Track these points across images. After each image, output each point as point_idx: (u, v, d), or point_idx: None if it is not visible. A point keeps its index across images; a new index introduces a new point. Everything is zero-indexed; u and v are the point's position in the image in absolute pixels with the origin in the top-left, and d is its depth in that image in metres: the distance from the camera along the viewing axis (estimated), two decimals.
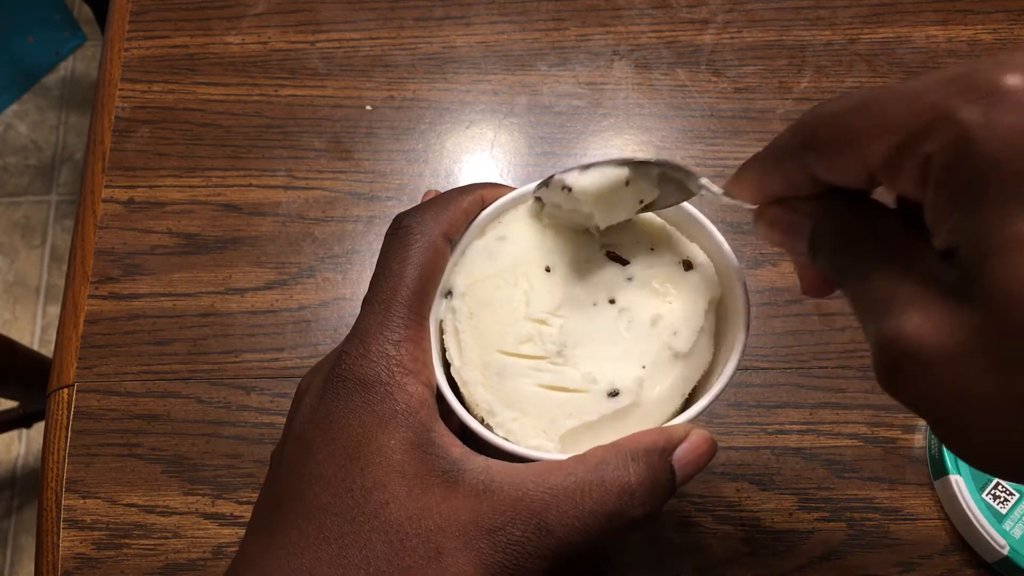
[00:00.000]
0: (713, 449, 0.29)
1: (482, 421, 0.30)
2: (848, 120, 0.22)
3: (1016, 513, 0.40)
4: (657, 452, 0.28)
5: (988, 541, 0.40)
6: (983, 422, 0.20)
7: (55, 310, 1.38)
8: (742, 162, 0.27)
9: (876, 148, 0.21)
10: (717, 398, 0.29)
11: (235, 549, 0.42)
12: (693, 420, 0.30)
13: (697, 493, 0.43)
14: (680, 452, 0.28)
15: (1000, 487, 0.41)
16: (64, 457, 0.44)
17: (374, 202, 0.50)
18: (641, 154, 0.33)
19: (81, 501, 0.43)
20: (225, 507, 0.43)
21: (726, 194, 0.29)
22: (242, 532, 0.43)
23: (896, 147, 0.21)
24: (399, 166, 0.51)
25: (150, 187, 0.51)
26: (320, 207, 0.50)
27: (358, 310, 0.47)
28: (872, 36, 0.54)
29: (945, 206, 0.20)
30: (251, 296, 0.48)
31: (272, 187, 0.51)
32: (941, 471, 0.42)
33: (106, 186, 0.51)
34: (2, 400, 1.12)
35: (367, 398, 0.28)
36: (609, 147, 0.51)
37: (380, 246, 0.48)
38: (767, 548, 0.42)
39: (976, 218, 0.19)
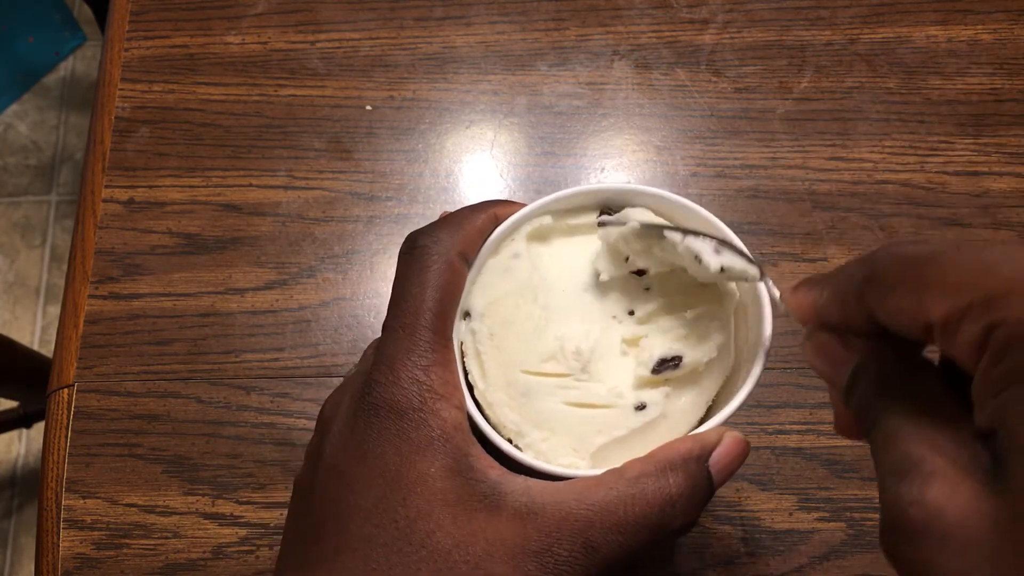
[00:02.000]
0: (746, 450, 0.29)
1: (510, 442, 0.30)
2: (918, 267, 0.21)
3: None
4: (694, 460, 0.28)
5: None
6: None
7: (55, 310, 1.38)
8: (799, 279, 0.27)
9: (939, 303, 0.21)
10: (743, 405, 0.29)
11: (235, 549, 0.42)
12: (725, 423, 0.29)
13: None
14: (715, 456, 0.28)
15: None
16: (64, 457, 0.44)
17: (374, 202, 0.50)
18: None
19: (81, 501, 0.43)
20: (225, 507, 0.43)
21: (783, 300, 0.28)
22: (242, 532, 0.43)
23: (960, 308, 0.20)
24: (399, 166, 0.51)
25: (150, 187, 0.51)
26: (320, 207, 0.50)
27: (358, 310, 0.48)
28: (872, 36, 0.54)
29: (995, 382, 0.20)
30: (251, 296, 0.48)
31: (272, 187, 0.51)
32: None
33: (106, 186, 0.51)
34: (2, 400, 1.12)
35: (401, 426, 0.28)
36: (609, 147, 0.52)
37: (380, 246, 0.49)
38: (767, 548, 0.42)
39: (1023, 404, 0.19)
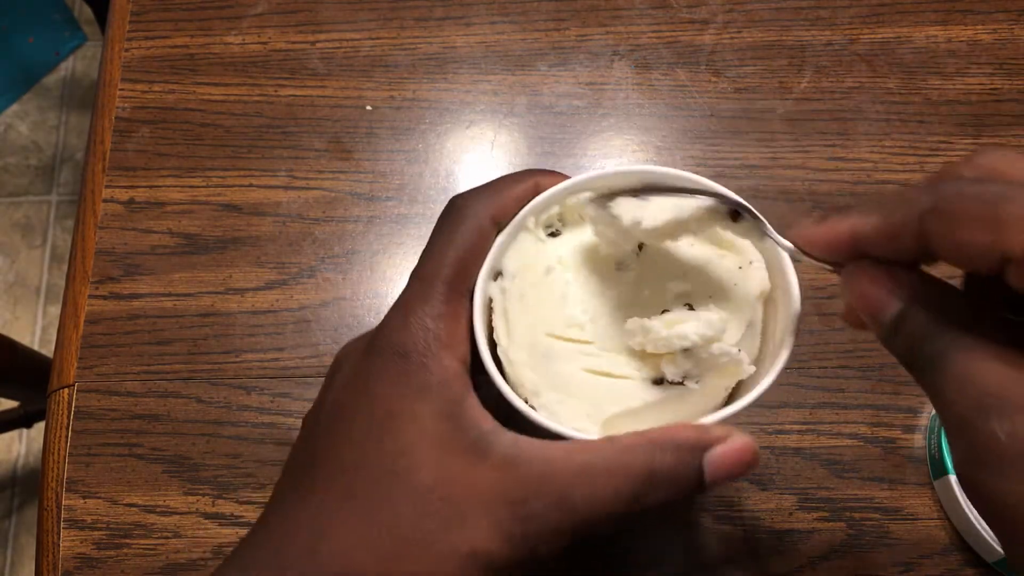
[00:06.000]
0: (753, 458, 0.28)
1: (526, 401, 0.30)
2: (994, 204, 0.22)
3: None
4: (688, 448, 0.27)
5: (988, 541, 0.40)
6: None
7: (55, 310, 1.38)
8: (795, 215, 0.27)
9: (1020, 239, 0.21)
10: (760, 398, 0.29)
11: None
12: (736, 415, 0.29)
13: None
14: (714, 453, 0.28)
15: None
16: (64, 457, 0.44)
17: (374, 202, 0.50)
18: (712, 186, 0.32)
19: (81, 501, 0.44)
20: (225, 507, 0.43)
21: (800, 249, 0.28)
22: (243, 532, 0.43)
23: None
24: (399, 166, 0.51)
25: (150, 187, 0.51)
26: (320, 207, 0.50)
27: (358, 310, 0.48)
28: (872, 36, 0.54)
29: None
30: (251, 296, 0.48)
31: (272, 187, 0.51)
32: (941, 471, 0.42)
33: (106, 186, 0.51)
34: (2, 400, 1.12)
35: (404, 367, 0.29)
36: (609, 147, 0.52)
37: (380, 246, 0.49)
38: (767, 548, 0.42)
39: None
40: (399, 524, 0.27)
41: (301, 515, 0.28)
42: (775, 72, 0.53)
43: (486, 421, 0.29)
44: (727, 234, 0.32)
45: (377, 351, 0.30)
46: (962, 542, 0.42)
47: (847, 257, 0.26)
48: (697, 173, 0.32)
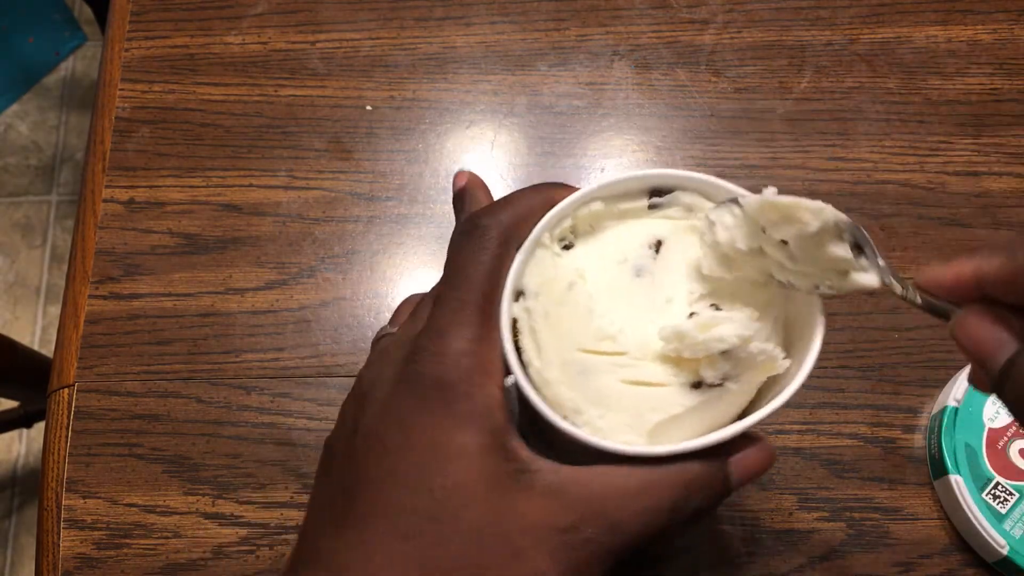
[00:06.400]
0: (770, 456, 0.30)
1: (565, 419, 0.30)
2: None
3: (1016, 513, 0.40)
4: (712, 455, 0.29)
5: (988, 541, 0.40)
6: None
7: (55, 310, 1.38)
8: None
9: None
10: (788, 402, 0.29)
11: (235, 549, 0.42)
12: (764, 419, 0.29)
13: None
14: (736, 457, 0.29)
15: (1000, 487, 0.41)
16: (64, 457, 0.44)
17: (374, 202, 0.50)
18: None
19: (81, 501, 0.44)
20: (225, 507, 0.43)
21: (921, 289, 0.27)
22: (242, 532, 0.43)
23: None
24: (399, 166, 0.51)
25: (150, 187, 0.51)
26: (320, 207, 0.50)
27: (358, 310, 0.48)
28: (872, 36, 0.54)
29: None
30: (251, 296, 0.48)
31: (272, 187, 0.51)
32: (941, 471, 0.42)
33: (107, 186, 0.51)
34: (2, 400, 1.12)
35: (445, 396, 0.28)
36: (609, 147, 0.52)
37: (380, 246, 0.49)
38: (767, 548, 0.42)
39: None
40: (455, 563, 0.27)
41: (350, 554, 0.27)
42: (775, 72, 0.53)
43: (523, 450, 0.28)
44: (836, 255, 0.29)
45: (415, 380, 0.29)
46: (962, 542, 0.42)
47: (969, 299, 0.26)
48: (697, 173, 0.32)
